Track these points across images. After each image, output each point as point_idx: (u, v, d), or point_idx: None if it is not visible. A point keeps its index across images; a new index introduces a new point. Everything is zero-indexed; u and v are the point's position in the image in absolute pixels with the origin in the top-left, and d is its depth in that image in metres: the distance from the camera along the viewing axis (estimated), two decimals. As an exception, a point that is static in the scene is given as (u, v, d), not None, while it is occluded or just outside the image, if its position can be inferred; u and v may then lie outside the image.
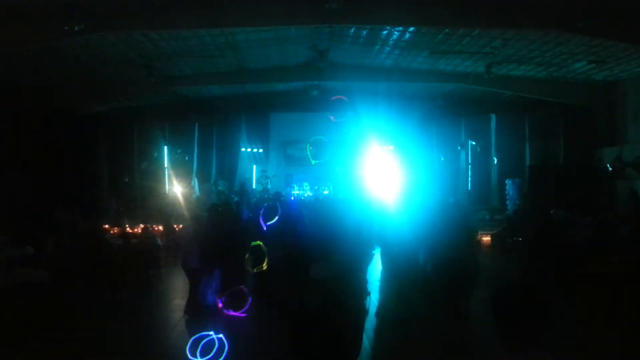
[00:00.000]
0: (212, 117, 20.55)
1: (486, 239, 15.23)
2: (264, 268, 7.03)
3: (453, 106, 19.43)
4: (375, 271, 9.45)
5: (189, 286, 8.47)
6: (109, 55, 12.50)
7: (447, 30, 11.82)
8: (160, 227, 15.33)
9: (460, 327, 7.56)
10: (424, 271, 8.18)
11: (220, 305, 7.61)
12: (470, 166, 21.14)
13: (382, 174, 17.20)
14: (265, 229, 7.51)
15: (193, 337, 5.82)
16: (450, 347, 6.86)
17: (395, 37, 12.66)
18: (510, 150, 19.49)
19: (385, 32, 12.42)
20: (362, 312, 5.28)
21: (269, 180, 20.52)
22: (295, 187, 20.70)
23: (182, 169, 19.16)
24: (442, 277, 7.58)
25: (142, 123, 19.27)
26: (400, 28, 11.97)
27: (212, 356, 5.56)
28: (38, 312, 8.26)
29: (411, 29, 11.98)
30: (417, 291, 8.12)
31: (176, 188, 17.72)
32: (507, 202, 17.86)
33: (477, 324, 7.72)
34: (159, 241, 12.29)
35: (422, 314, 7.92)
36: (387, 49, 13.74)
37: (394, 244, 7.95)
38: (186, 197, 16.32)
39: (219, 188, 19.45)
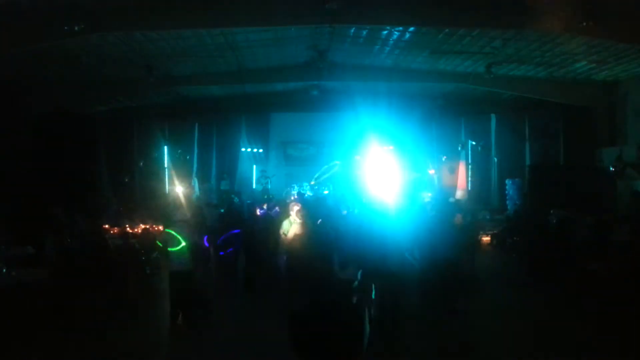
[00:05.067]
0: (212, 117, 20.56)
1: (486, 239, 15.24)
2: None
3: (453, 106, 19.41)
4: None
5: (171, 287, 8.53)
6: (109, 55, 12.48)
7: (447, 30, 11.81)
8: (160, 227, 15.31)
9: (459, 327, 7.56)
10: (421, 271, 8.20)
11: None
12: (470, 166, 21.15)
13: (382, 174, 17.20)
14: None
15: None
16: (448, 347, 6.86)
17: (395, 37, 12.65)
18: (510, 150, 19.49)
19: (385, 32, 12.41)
20: (366, 312, 5.32)
21: (269, 180, 20.53)
22: (295, 187, 20.68)
23: (182, 169, 19.17)
24: (437, 278, 7.60)
25: (142, 123, 19.28)
26: (400, 28, 11.97)
27: None
28: (38, 312, 8.26)
29: (411, 29, 11.98)
30: (415, 291, 8.14)
31: (176, 188, 17.72)
32: (507, 202, 17.86)
33: (475, 324, 7.73)
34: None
35: (420, 314, 7.93)
36: (387, 49, 13.73)
37: (392, 245, 7.96)
38: (186, 197, 16.32)
39: (221, 188, 19.49)
